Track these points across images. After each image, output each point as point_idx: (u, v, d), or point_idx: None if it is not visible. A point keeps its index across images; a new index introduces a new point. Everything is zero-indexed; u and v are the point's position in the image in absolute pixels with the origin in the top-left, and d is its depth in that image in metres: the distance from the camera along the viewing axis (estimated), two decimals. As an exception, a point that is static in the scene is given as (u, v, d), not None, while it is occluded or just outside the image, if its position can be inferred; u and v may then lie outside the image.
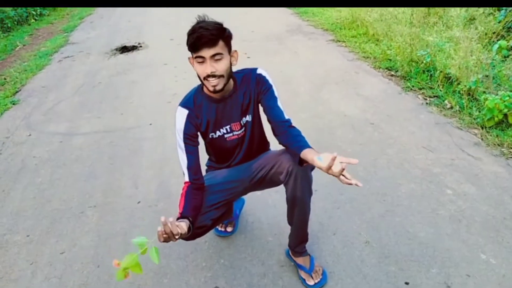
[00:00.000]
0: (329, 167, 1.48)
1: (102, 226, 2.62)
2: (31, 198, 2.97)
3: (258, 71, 1.95)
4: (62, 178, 3.17)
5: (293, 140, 1.80)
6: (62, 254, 2.42)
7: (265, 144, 2.16)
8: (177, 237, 1.56)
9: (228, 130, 1.96)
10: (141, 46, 6.44)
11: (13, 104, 4.69)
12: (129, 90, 4.77)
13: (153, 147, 3.45)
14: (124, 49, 6.35)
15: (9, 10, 8.41)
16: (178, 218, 1.72)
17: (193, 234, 1.87)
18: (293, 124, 1.87)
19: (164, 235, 1.53)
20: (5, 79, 5.59)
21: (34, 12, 9.41)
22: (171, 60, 5.56)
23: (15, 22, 8.75)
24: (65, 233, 2.59)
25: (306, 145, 1.72)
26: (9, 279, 2.28)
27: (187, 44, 1.73)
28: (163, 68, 5.36)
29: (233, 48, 1.84)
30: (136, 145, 3.53)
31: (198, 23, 1.74)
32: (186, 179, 1.87)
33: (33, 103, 4.67)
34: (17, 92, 5.08)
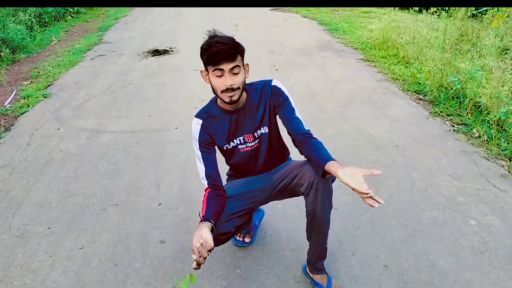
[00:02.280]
0: (354, 189, 1.55)
1: (122, 225, 2.65)
2: (55, 191, 3.03)
3: (273, 83, 1.97)
4: (86, 173, 3.23)
5: (316, 152, 1.81)
6: (81, 249, 2.45)
7: (285, 154, 2.18)
8: (209, 253, 1.59)
9: (242, 141, 1.98)
10: (172, 51, 6.54)
11: (45, 97, 4.81)
12: (158, 93, 4.85)
13: (178, 151, 3.49)
14: (156, 52, 6.46)
15: (48, 5, 8.67)
16: (200, 221, 1.73)
17: (216, 240, 1.89)
18: (313, 135, 1.89)
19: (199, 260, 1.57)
20: (38, 72, 5.74)
21: (71, 10, 9.67)
22: (201, 67, 5.61)
23: (53, 18, 9.01)
24: (85, 229, 2.62)
25: (330, 157, 1.75)
26: (28, 269, 2.32)
27: (204, 58, 1.78)
28: (193, 74, 5.42)
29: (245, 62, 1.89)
30: (161, 147, 3.58)
31: (211, 37, 1.78)
32: (205, 185, 1.91)
33: (64, 98, 4.78)
34: (49, 85, 5.22)
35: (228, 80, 1.76)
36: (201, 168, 1.94)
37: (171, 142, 3.66)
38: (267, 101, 1.94)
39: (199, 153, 1.94)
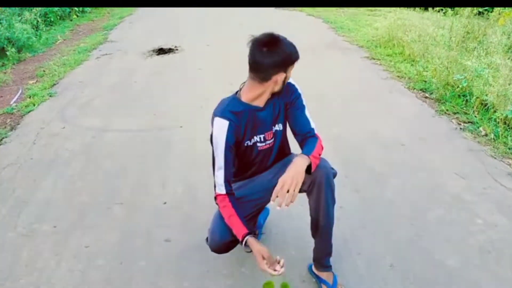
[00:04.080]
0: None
1: (127, 224, 2.65)
2: (61, 189, 3.03)
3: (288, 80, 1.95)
4: (92, 172, 3.23)
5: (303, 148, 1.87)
6: (87, 248, 2.45)
7: (289, 151, 2.17)
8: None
9: (262, 139, 1.97)
10: (177, 50, 6.54)
11: (50, 96, 4.82)
12: (163, 91, 4.85)
13: (183, 150, 3.49)
14: (161, 51, 6.46)
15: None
16: (244, 236, 1.79)
17: (228, 246, 1.95)
18: (315, 133, 1.93)
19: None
20: (44, 71, 5.76)
21: (76, 9, 9.68)
22: (206, 66, 5.64)
23: (58, 17, 9.03)
24: (91, 227, 2.63)
25: (306, 152, 1.80)
26: (34, 267, 2.32)
27: (288, 61, 1.80)
28: (198, 72, 5.43)
29: None
30: (166, 146, 3.57)
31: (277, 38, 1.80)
32: (223, 191, 1.87)
33: (69, 97, 4.79)
34: (54, 84, 5.23)
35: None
36: (220, 173, 1.87)
37: (176, 140, 3.66)
38: (282, 98, 1.94)
39: (222, 157, 1.85)
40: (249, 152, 1.99)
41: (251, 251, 1.79)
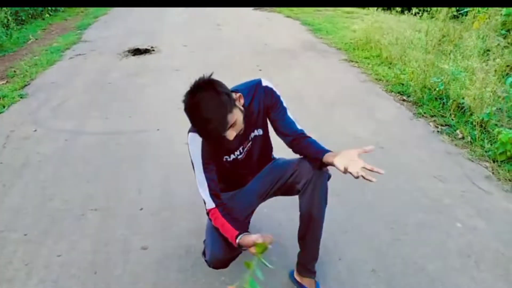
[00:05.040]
0: (345, 170, 1.57)
1: (102, 231, 2.56)
2: (32, 195, 2.92)
3: (264, 83, 1.89)
4: (65, 177, 3.12)
5: (313, 146, 1.82)
6: (59, 257, 2.36)
7: (271, 153, 2.14)
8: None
9: (241, 150, 1.92)
10: (153, 50, 6.43)
11: (21, 97, 4.67)
12: (139, 93, 4.75)
13: (159, 154, 3.41)
14: (137, 52, 6.35)
15: (25, 3, 8.44)
16: (237, 236, 1.66)
17: (229, 262, 1.87)
18: (307, 134, 1.88)
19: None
20: (14, 71, 5.58)
21: (49, 7, 9.43)
22: (183, 67, 5.55)
23: (30, 16, 8.78)
24: (64, 235, 2.53)
25: (326, 150, 1.77)
26: (3, 278, 2.22)
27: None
28: (175, 74, 5.34)
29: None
30: (142, 149, 3.49)
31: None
32: (212, 205, 1.80)
33: (41, 98, 4.65)
34: (25, 85, 5.08)
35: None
36: (204, 186, 1.79)
37: (153, 144, 3.58)
38: (261, 102, 1.87)
39: (202, 171, 1.79)
40: (231, 165, 1.94)
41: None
